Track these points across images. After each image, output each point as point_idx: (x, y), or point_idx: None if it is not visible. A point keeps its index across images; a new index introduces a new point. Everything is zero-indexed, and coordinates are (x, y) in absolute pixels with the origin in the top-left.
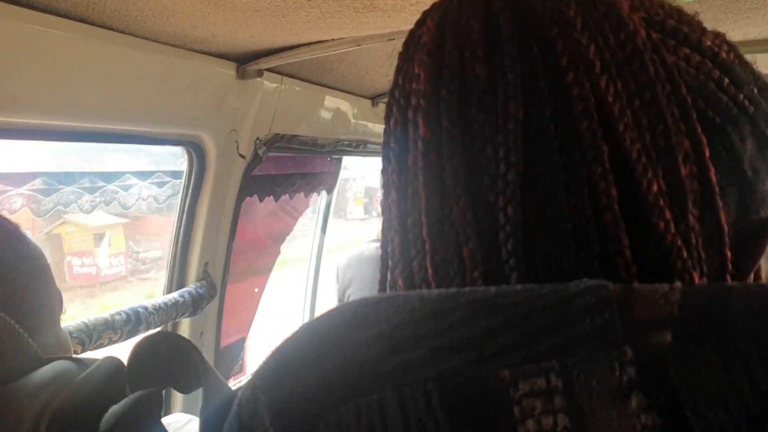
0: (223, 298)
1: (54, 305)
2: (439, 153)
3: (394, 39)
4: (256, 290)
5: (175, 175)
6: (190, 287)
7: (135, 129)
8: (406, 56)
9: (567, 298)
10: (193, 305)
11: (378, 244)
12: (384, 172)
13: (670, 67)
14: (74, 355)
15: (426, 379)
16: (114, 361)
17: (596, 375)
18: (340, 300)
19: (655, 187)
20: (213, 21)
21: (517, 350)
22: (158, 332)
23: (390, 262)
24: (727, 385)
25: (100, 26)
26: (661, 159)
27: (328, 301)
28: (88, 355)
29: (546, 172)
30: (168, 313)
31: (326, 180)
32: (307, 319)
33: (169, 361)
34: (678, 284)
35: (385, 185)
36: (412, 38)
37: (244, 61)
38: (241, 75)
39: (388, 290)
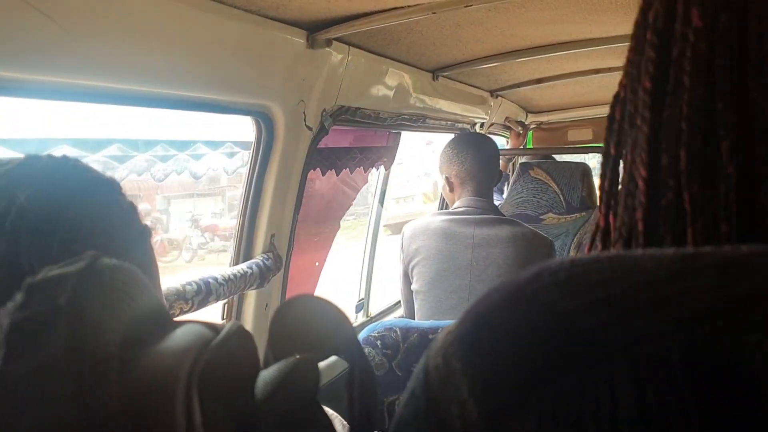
0: (288, 270)
1: (155, 265)
2: (711, 45)
3: (471, 5)
4: (317, 264)
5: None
6: (258, 259)
7: (205, 96)
8: None
9: None
10: (261, 277)
11: (445, 217)
12: (632, 63)
13: None
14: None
15: (668, 350)
16: (242, 327)
17: None
18: (405, 271)
19: None
20: None
21: None
22: (302, 295)
23: (629, 155)
24: None
25: None
26: None
27: (385, 274)
28: None
29: None
30: (237, 284)
31: (385, 155)
32: (363, 293)
33: (313, 326)
34: None
35: (632, 77)
36: None
37: (315, 30)
38: (311, 44)
39: (614, 195)
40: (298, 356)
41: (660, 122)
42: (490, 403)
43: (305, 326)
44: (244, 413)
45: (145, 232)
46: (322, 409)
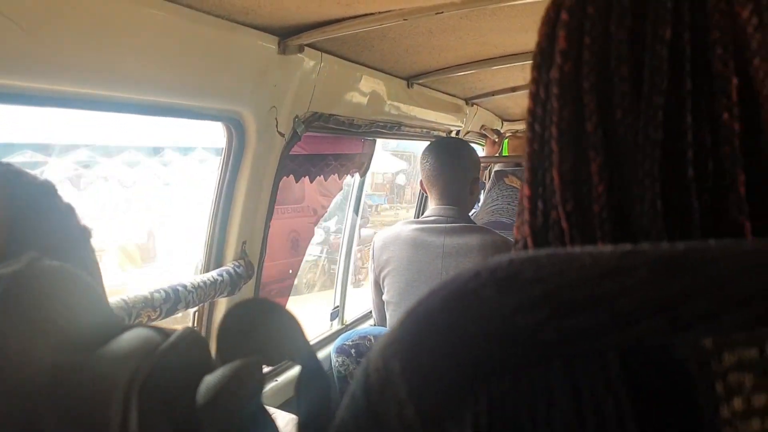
0: (260, 278)
1: (97, 266)
2: (577, 67)
3: (442, 12)
4: (291, 271)
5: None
6: (229, 266)
7: (176, 102)
8: None
9: None
10: (232, 284)
11: (415, 226)
12: (532, 82)
13: None
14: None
15: (603, 348)
16: (194, 332)
17: None
18: (376, 280)
19: None
20: None
21: (720, 316)
22: (251, 298)
23: (524, 170)
24: None
25: None
26: None
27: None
28: None
29: (681, 99)
30: (207, 291)
31: (360, 162)
32: (338, 300)
33: (262, 329)
34: None
35: (530, 96)
36: None
37: (286, 36)
38: (283, 50)
39: (519, 204)
40: (241, 360)
41: (539, 142)
42: (428, 404)
43: (253, 330)
44: (185, 420)
45: (85, 234)
46: (267, 412)
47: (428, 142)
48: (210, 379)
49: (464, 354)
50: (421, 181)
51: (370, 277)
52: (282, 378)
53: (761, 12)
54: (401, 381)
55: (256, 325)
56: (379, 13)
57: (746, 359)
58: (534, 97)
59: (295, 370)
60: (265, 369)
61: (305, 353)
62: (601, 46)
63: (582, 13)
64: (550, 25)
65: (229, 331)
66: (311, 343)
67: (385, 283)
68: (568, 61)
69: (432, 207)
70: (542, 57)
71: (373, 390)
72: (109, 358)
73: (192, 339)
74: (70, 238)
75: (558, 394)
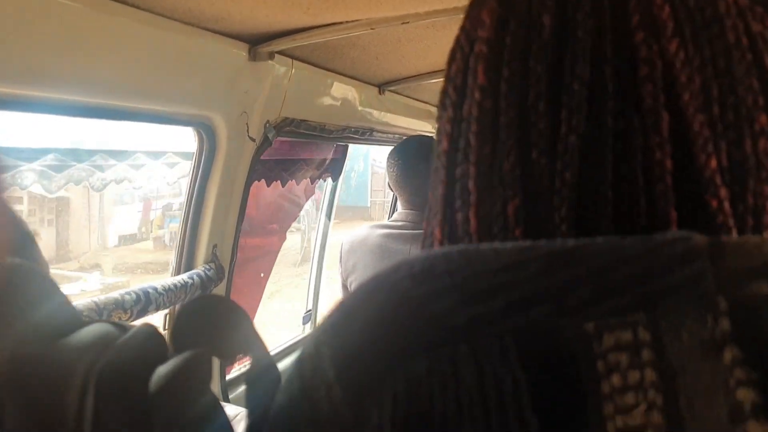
0: (231, 281)
1: (47, 266)
2: (496, 103)
3: (408, 22)
4: (262, 275)
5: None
6: (199, 269)
7: (146, 107)
8: (476, 1)
9: (653, 249)
10: (202, 287)
11: (383, 231)
12: (439, 120)
13: (755, 35)
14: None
15: (502, 332)
16: (152, 327)
17: (687, 328)
18: (343, 285)
19: (713, 163)
20: None
21: (600, 302)
22: (205, 295)
23: (431, 212)
24: None
25: (117, 1)
26: (727, 133)
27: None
28: None
29: (603, 137)
30: (177, 294)
31: (332, 167)
32: (311, 304)
33: (214, 324)
34: None
35: (438, 134)
36: None
37: (256, 43)
38: (253, 57)
39: (424, 241)
40: (191, 351)
41: (454, 181)
42: (352, 386)
43: (206, 325)
44: (140, 408)
45: (30, 237)
46: (219, 403)
47: None
48: (162, 369)
49: (384, 339)
50: (388, 183)
51: (338, 281)
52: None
53: (687, 46)
54: (330, 365)
55: (209, 319)
56: (347, 22)
57: (622, 341)
58: (448, 136)
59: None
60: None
61: (256, 347)
62: (521, 80)
63: (500, 46)
64: (462, 59)
65: (183, 325)
66: (281, 347)
67: (351, 289)
68: (487, 98)
69: (400, 211)
70: (456, 93)
71: (305, 374)
72: (68, 349)
73: (149, 333)
74: (21, 238)
75: (465, 373)
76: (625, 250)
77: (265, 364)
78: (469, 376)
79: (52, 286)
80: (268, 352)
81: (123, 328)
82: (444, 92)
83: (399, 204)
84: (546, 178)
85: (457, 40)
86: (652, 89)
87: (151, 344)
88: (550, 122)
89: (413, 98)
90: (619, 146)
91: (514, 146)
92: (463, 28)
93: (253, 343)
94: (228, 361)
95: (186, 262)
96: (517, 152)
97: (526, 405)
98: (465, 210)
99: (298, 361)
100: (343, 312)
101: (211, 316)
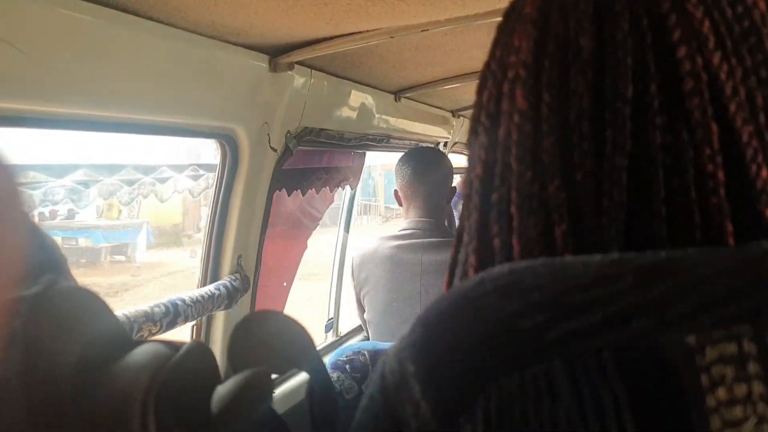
0: (255, 291)
1: None
2: (536, 127)
3: (427, 30)
4: (285, 284)
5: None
6: (225, 280)
7: (170, 121)
8: (505, 28)
9: (752, 260)
10: (229, 298)
11: (392, 243)
12: (470, 147)
13: None
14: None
15: (599, 347)
16: (202, 344)
17: None
18: (357, 297)
19: (765, 173)
20: (254, 10)
21: (702, 315)
22: (259, 311)
23: (465, 237)
24: None
25: (141, 16)
26: None
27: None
28: None
29: (651, 154)
30: (205, 305)
31: (350, 175)
32: (332, 312)
33: (269, 340)
34: None
35: (470, 160)
36: (513, 10)
37: (277, 54)
38: (273, 68)
39: (458, 268)
40: (251, 370)
41: (489, 207)
42: (441, 403)
43: (263, 340)
44: (197, 428)
45: (62, 257)
46: (279, 417)
47: None
48: (222, 389)
49: (473, 356)
50: (395, 190)
51: (352, 294)
52: (288, 384)
53: (729, 57)
54: (415, 382)
55: (265, 336)
56: (367, 31)
57: (727, 353)
58: (482, 162)
59: (301, 377)
60: (273, 376)
61: (313, 362)
62: (562, 102)
63: (538, 69)
64: (495, 86)
65: (240, 341)
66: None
67: (365, 302)
68: (527, 122)
69: (409, 220)
70: (490, 119)
71: (389, 391)
72: (124, 373)
73: (200, 351)
74: (60, 262)
75: (560, 390)
76: (722, 262)
77: (323, 380)
78: (565, 393)
79: (105, 308)
80: (324, 367)
81: (173, 347)
82: (476, 119)
83: (407, 213)
84: (593, 199)
85: (487, 67)
86: (700, 102)
87: (203, 362)
88: (594, 143)
89: (429, 104)
90: (668, 161)
91: (558, 169)
92: (492, 56)
93: (310, 357)
94: (281, 374)
95: (212, 273)
96: (561, 175)
97: (627, 420)
98: (504, 235)
99: (381, 378)
100: (426, 328)
101: (265, 331)
